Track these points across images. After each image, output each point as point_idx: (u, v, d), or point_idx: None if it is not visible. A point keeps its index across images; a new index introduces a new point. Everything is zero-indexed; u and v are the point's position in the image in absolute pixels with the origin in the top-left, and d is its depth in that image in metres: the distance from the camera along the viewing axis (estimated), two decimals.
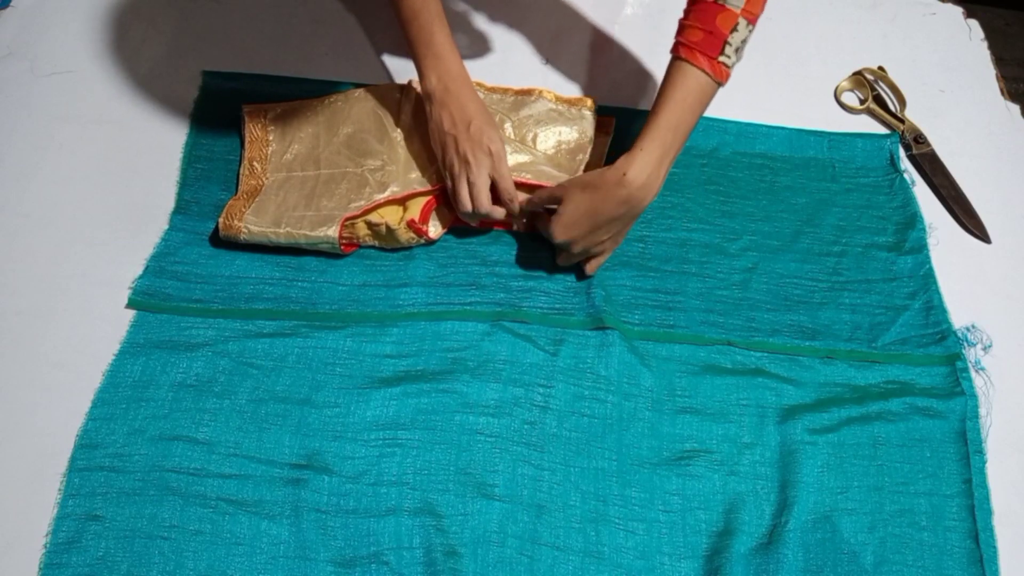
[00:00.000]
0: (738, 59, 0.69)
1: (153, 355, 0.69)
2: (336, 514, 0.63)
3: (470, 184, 0.73)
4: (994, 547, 0.66)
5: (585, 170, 0.80)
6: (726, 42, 0.68)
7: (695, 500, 0.67)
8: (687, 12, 0.71)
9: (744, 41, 0.69)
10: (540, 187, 0.77)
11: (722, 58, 0.68)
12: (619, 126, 0.87)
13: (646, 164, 0.69)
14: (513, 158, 0.79)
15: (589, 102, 0.86)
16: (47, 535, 0.61)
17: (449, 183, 0.74)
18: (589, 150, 0.82)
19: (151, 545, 0.61)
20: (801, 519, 0.66)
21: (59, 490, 0.62)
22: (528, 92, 0.86)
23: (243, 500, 0.63)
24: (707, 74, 0.68)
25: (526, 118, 0.83)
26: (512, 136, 0.82)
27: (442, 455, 0.66)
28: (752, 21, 0.69)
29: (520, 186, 0.77)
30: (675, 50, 0.70)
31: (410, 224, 0.74)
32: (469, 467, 0.66)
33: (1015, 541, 0.66)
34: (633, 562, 0.64)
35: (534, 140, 0.82)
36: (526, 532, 0.64)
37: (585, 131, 0.83)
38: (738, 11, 0.68)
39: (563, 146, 0.82)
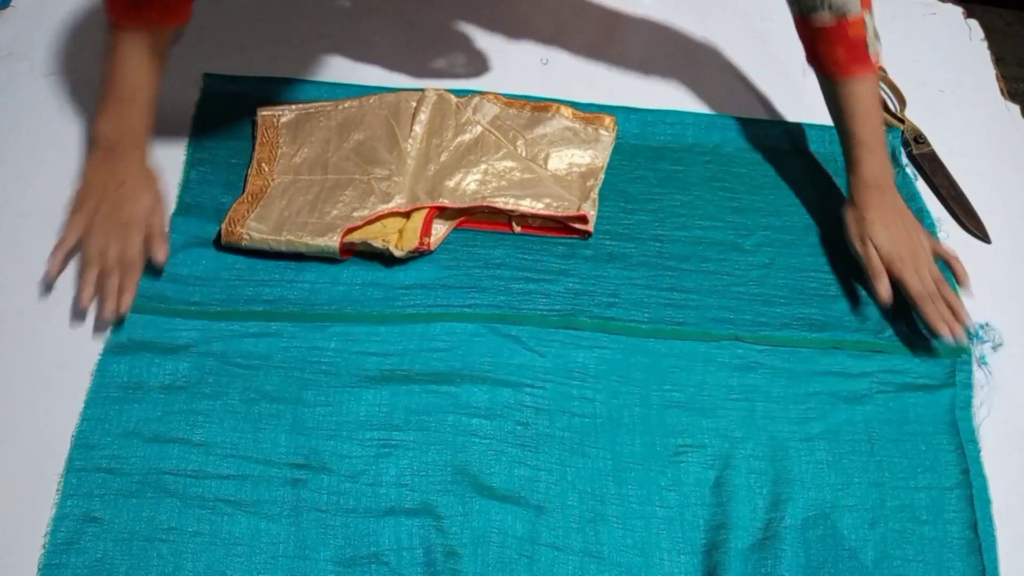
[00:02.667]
0: (877, 39, 0.76)
1: (138, 356, 0.68)
2: (336, 513, 0.63)
3: (123, 256, 0.71)
4: (993, 536, 0.66)
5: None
6: (866, 43, 0.75)
7: (692, 495, 0.67)
8: (814, 38, 0.76)
9: (873, 26, 0.75)
10: (538, 216, 0.77)
11: (870, 53, 0.75)
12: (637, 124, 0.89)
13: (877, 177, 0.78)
14: (521, 177, 0.79)
15: (607, 120, 0.86)
16: (46, 535, 0.60)
17: (95, 247, 0.71)
18: (601, 177, 0.82)
19: (150, 547, 0.61)
20: (800, 515, 0.66)
21: (57, 490, 0.62)
22: (545, 108, 0.85)
23: (241, 500, 0.63)
24: (868, 75, 0.76)
25: (540, 137, 0.83)
26: (524, 155, 0.81)
27: (438, 456, 0.66)
28: (869, 5, 0.75)
29: (524, 216, 0.78)
30: (829, 74, 0.77)
31: (415, 249, 0.74)
32: (466, 468, 0.66)
33: (1015, 540, 0.66)
34: (633, 560, 0.64)
35: (545, 160, 0.82)
36: (525, 532, 0.64)
37: (599, 155, 0.83)
38: (860, 14, 0.73)
39: (575, 169, 0.82)
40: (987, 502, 0.68)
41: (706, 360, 0.73)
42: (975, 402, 0.73)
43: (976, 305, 0.79)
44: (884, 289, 0.75)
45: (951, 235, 0.85)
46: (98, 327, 0.70)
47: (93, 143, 0.74)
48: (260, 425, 0.66)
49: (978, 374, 0.74)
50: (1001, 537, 0.66)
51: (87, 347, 0.69)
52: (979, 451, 0.70)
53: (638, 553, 0.64)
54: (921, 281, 0.75)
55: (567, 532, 0.64)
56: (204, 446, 0.65)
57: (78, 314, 0.70)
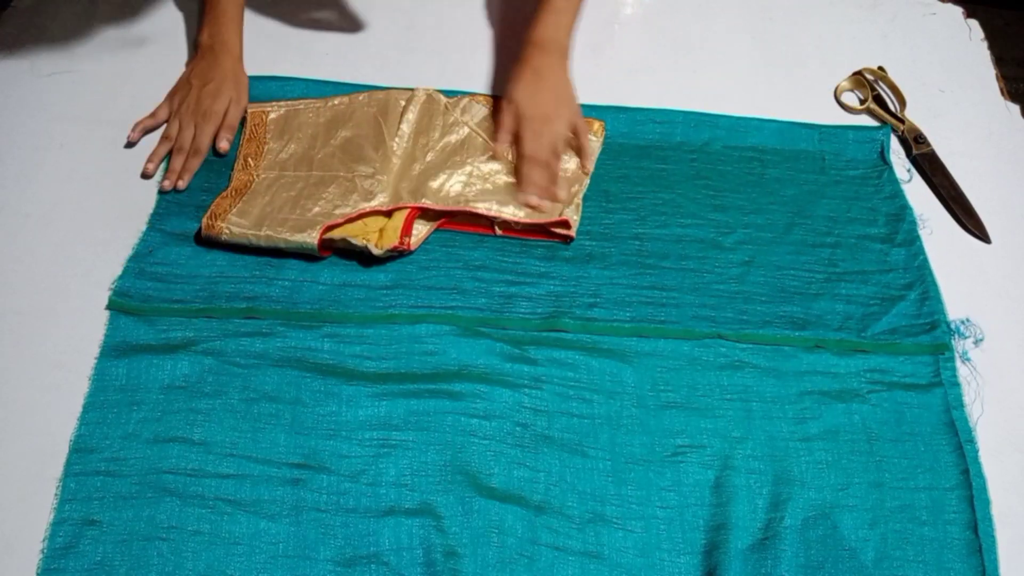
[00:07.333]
0: None
1: (135, 358, 0.68)
2: (336, 512, 0.63)
3: (193, 142, 0.80)
4: (993, 536, 0.66)
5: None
6: None
7: (691, 496, 0.67)
8: None
9: None
10: (520, 222, 0.77)
11: None
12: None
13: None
14: (505, 180, 0.79)
15: (596, 126, 0.85)
16: (44, 540, 0.60)
17: (175, 128, 0.81)
18: (586, 182, 0.82)
19: (149, 547, 0.61)
20: (800, 516, 0.66)
21: (55, 495, 0.62)
22: None
23: (241, 500, 0.63)
24: None
25: None
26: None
27: (437, 456, 0.66)
28: None
29: (505, 220, 0.78)
30: None
31: (394, 248, 0.74)
32: (466, 468, 0.66)
33: (1015, 541, 0.66)
34: (633, 560, 0.64)
35: None
36: (525, 533, 0.64)
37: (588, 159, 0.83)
38: None
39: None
40: (987, 502, 0.68)
41: (692, 359, 0.73)
42: (967, 400, 0.73)
43: (976, 305, 0.79)
44: (499, 148, 0.80)
45: (951, 235, 0.85)
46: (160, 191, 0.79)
47: (195, 49, 0.87)
48: (259, 424, 0.66)
49: (963, 370, 0.74)
50: (1001, 538, 0.66)
51: (87, 348, 0.69)
52: (977, 451, 0.70)
53: (638, 553, 0.64)
54: (537, 145, 0.78)
55: (567, 532, 0.64)
56: (204, 445, 0.65)
57: (142, 179, 0.80)
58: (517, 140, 0.80)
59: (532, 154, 0.78)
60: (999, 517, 0.67)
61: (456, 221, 0.79)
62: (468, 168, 0.79)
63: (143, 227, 0.76)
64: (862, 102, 0.94)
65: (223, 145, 0.81)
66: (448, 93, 0.86)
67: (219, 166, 0.81)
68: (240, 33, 0.86)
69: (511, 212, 0.77)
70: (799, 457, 0.69)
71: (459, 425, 0.67)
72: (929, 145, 0.90)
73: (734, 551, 0.64)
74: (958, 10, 1.05)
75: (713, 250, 0.80)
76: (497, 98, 0.86)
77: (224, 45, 0.84)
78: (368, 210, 0.75)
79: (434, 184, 0.77)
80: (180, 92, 0.83)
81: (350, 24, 0.95)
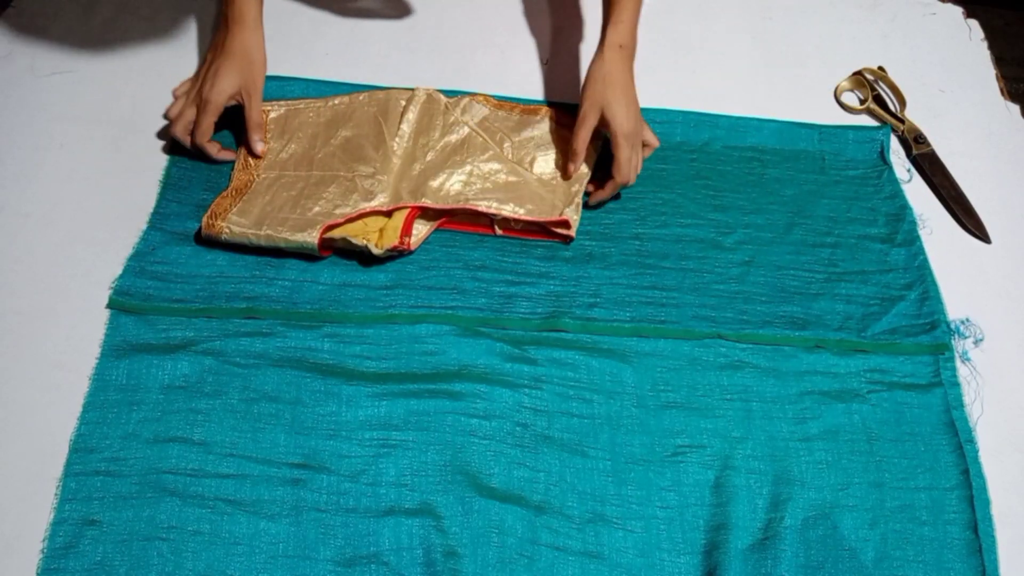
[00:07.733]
0: None
1: (136, 358, 0.68)
2: (336, 513, 0.63)
3: (196, 121, 0.78)
4: (993, 536, 0.66)
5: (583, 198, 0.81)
6: None
7: (691, 496, 0.67)
8: None
9: None
10: (520, 220, 0.77)
11: None
12: None
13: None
14: (505, 180, 0.79)
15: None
16: (44, 540, 0.60)
17: (176, 109, 0.79)
18: (586, 181, 0.82)
19: (149, 547, 0.61)
20: (800, 516, 0.66)
21: (55, 495, 0.62)
22: (535, 111, 0.85)
23: (241, 500, 0.63)
24: None
25: (527, 140, 0.83)
26: (510, 157, 0.81)
27: (437, 456, 0.66)
28: None
29: (505, 219, 0.78)
30: None
31: (394, 248, 0.74)
32: (466, 468, 0.66)
33: (1015, 541, 0.66)
34: (633, 560, 0.64)
35: (531, 164, 0.81)
36: (525, 533, 0.64)
37: (586, 161, 0.83)
38: None
39: (560, 173, 0.82)
40: (987, 502, 0.68)
41: (692, 359, 0.73)
42: (967, 400, 0.73)
43: (975, 305, 0.79)
44: (572, 170, 0.79)
45: (951, 235, 0.85)
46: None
47: (221, 19, 0.81)
48: (259, 424, 0.66)
49: (963, 370, 0.75)
50: (1001, 538, 0.66)
51: (87, 348, 0.69)
52: (977, 451, 0.70)
53: (638, 553, 0.64)
54: (631, 167, 0.77)
55: (567, 532, 0.64)
56: (204, 445, 0.65)
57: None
58: (614, 156, 0.77)
59: (623, 179, 0.77)
60: (999, 517, 0.67)
61: (456, 221, 0.79)
62: (468, 167, 0.79)
63: (143, 227, 0.76)
64: (862, 102, 0.94)
65: (257, 147, 0.79)
66: (448, 93, 0.86)
67: (219, 166, 0.81)
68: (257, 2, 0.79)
69: (511, 210, 0.77)
70: (799, 457, 0.69)
71: (459, 425, 0.67)
72: (929, 145, 0.90)
73: (734, 551, 0.64)
74: (958, 10, 1.05)
75: (713, 250, 0.80)
76: (553, 105, 0.87)
77: (236, 14, 0.78)
78: (368, 210, 0.75)
79: (434, 183, 0.77)
80: (197, 73, 0.80)
81: (397, 9, 0.94)
